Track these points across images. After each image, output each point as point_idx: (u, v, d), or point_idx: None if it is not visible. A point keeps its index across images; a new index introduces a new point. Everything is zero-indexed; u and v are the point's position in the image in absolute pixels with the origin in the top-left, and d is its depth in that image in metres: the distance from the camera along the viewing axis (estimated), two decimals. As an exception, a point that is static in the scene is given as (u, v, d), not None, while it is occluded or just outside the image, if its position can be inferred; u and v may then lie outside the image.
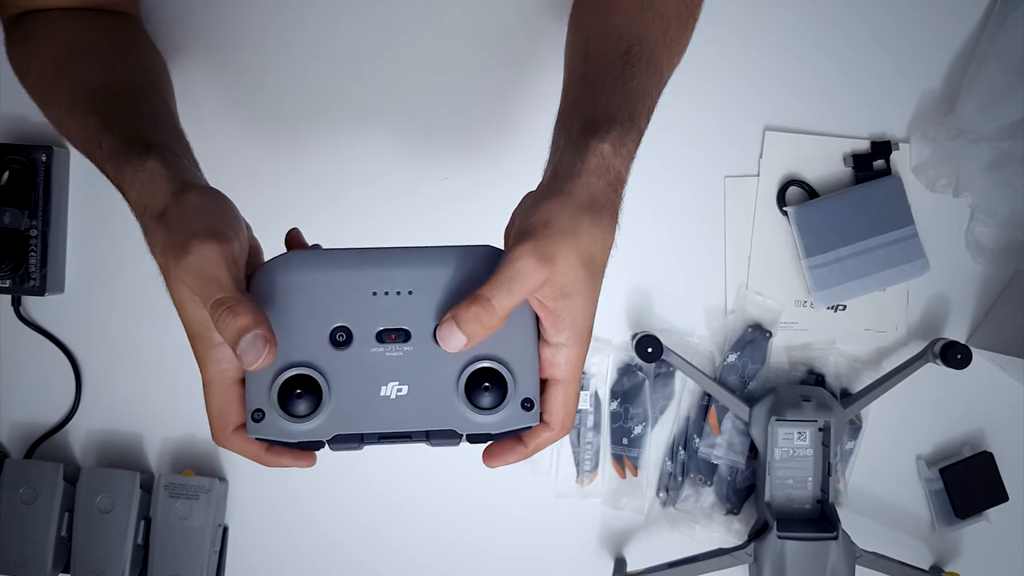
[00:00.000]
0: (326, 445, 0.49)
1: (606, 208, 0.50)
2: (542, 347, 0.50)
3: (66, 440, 0.83)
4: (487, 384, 0.48)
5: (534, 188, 0.52)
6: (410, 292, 0.47)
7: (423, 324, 0.48)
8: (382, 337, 0.48)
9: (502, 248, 0.50)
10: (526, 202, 0.51)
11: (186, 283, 0.46)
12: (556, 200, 0.49)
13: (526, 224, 0.48)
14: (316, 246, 0.57)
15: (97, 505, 0.78)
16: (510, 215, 0.52)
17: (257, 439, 0.49)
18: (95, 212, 0.83)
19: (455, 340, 0.46)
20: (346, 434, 0.48)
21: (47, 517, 0.78)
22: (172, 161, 0.53)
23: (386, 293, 0.48)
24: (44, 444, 0.83)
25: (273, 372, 0.47)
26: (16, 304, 0.82)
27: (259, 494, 0.83)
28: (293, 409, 0.47)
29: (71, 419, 0.83)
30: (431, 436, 0.48)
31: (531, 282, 0.46)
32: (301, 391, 0.47)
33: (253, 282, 0.49)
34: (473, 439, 0.50)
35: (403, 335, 0.48)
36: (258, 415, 0.47)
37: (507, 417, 0.49)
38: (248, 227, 0.53)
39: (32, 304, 0.83)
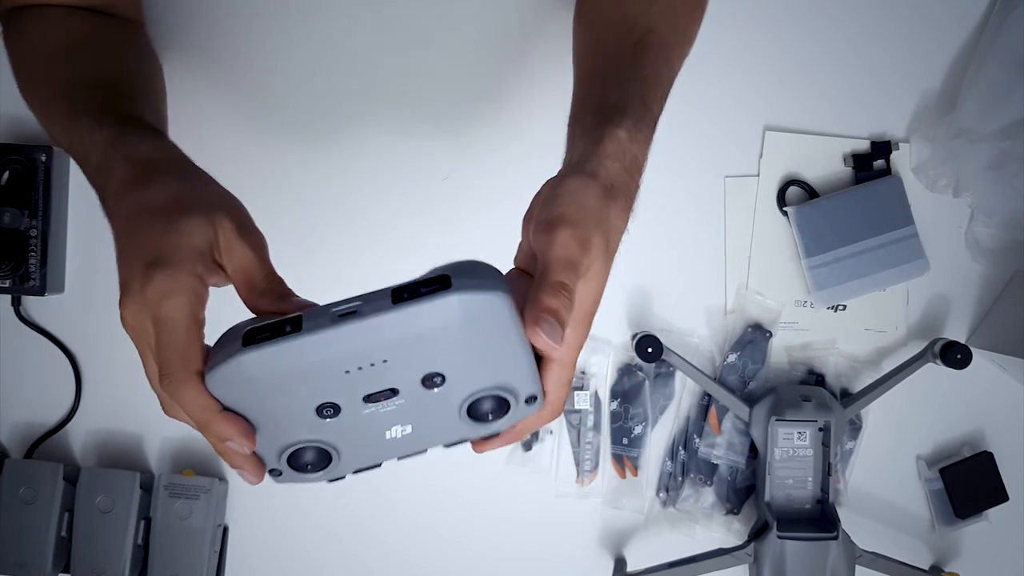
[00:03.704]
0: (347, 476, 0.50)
1: (622, 193, 0.50)
2: None
3: (66, 440, 0.83)
4: (490, 409, 0.48)
5: (551, 177, 0.52)
6: (384, 361, 0.45)
7: (408, 378, 0.46)
8: (369, 399, 0.46)
9: (450, 264, 0.46)
10: (546, 189, 0.51)
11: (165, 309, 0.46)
12: (580, 182, 0.49)
13: (559, 210, 0.48)
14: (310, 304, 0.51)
15: (97, 505, 0.78)
16: (529, 204, 0.51)
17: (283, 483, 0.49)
18: (95, 212, 0.81)
19: (557, 335, 0.45)
20: (365, 467, 0.49)
21: (47, 517, 0.78)
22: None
23: (359, 368, 0.45)
24: (44, 444, 0.83)
25: (276, 451, 0.47)
26: (16, 304, 0.82)
27: (259, 494, 0.83)
28: (307, 469, 0.48)
29: (71, 419, 0.83)
30: (446, 445, 0.50)
31: (579, 265, 0.46)
32: (311, 459, 0.48)
33: (213, 388, 0.45)
34: (484, 439, 0.50)
35: (390, 392, 0.46)
36: (276, 473, 0.48)
37: (513, 416, 0.49)
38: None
39: (32, 304, 0.83)
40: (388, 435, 0.48)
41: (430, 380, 0.45)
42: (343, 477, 0.50)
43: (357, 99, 0.83)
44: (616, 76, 0.56)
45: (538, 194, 0.51)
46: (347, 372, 0.44)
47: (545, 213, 0.48)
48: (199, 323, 0.46)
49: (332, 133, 0.83)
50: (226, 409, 0.45)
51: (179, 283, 0.45)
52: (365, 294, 0.43)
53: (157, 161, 0.51)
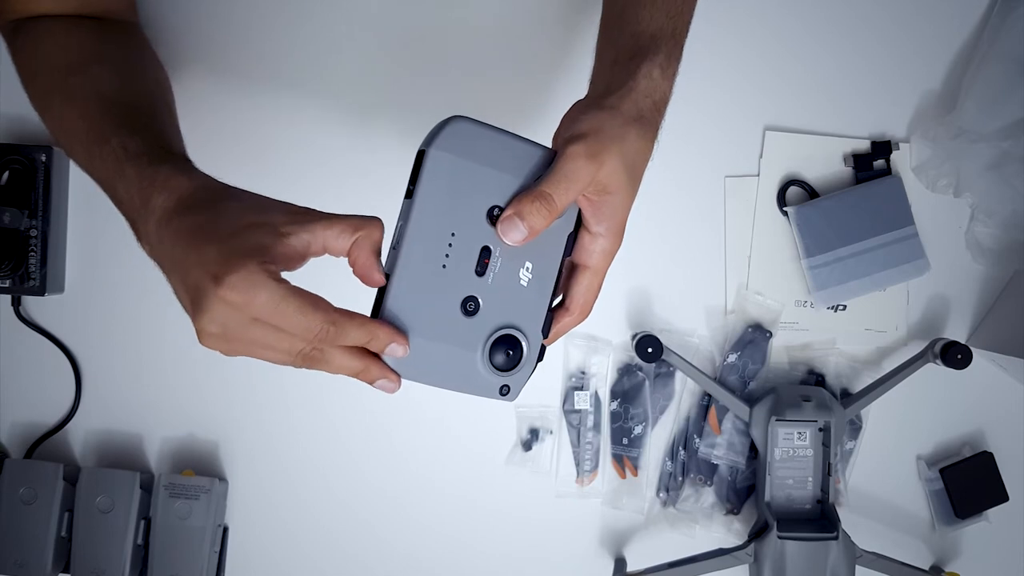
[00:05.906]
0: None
1: (650, 123, 0.55)
2: (582, 234, 0.54)
3: (66, 440, 0.83)
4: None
5: (582, 97, 0.57)
6: (452, 234, 0.50)
7: (480, 230, 0.51)
8: (480, 271, 0.51)
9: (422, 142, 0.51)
10: (575, 111, 0.55)
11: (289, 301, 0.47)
12: (607, 112, 0.54)
13: (578, 129, 0.52)
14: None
15: (97, 505, 0.78)
16: (559, 122, 0.56)
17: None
18: (95, 212, 0.83)
19: (517, 233, 0.50)
20: (546, 323, 0.55)
21: (47, 517, 0.78)
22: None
23: (447, 256, 0.50)
24: (44, 444, 0.83)
25: (479, 360, 0.52)
26: (16, 304, 0.82)
27: (259, 494, 0.83)
28: (509, 359, 0.53)
29: (71, 419, 0.83)
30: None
31: (583, 179, 0.51)
32: (502, 352, 0.53)
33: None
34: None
35: (485, 252, 0.51)
36: (505, 390, 0.53)
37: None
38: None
39: (32, 304, 0.83)
40: (522, 281, 0.52)
41: (491, 215, 0.51)
42: (543, 348, 0.54)
43: (359, 101, 0.83)
44: (652, 3, 0.59)
45: (568, 114, 0.56)
46: (444, 267, 0.49)
47: (567, 132, 0.53)
48: (300, 290, 0.47)
49: (334, 137, 0.83)
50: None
51: (258, 277, 0.46)
52: (397, 221, 0.49)
53: (196, 190, 0.52)
